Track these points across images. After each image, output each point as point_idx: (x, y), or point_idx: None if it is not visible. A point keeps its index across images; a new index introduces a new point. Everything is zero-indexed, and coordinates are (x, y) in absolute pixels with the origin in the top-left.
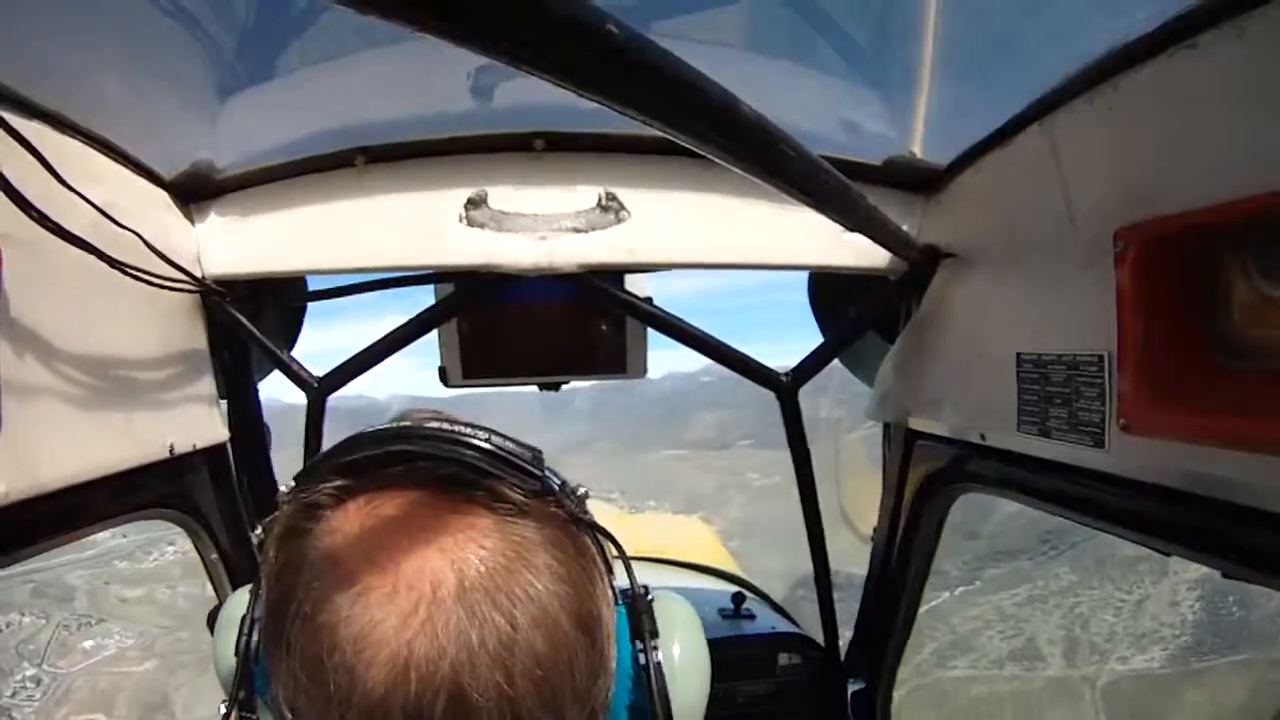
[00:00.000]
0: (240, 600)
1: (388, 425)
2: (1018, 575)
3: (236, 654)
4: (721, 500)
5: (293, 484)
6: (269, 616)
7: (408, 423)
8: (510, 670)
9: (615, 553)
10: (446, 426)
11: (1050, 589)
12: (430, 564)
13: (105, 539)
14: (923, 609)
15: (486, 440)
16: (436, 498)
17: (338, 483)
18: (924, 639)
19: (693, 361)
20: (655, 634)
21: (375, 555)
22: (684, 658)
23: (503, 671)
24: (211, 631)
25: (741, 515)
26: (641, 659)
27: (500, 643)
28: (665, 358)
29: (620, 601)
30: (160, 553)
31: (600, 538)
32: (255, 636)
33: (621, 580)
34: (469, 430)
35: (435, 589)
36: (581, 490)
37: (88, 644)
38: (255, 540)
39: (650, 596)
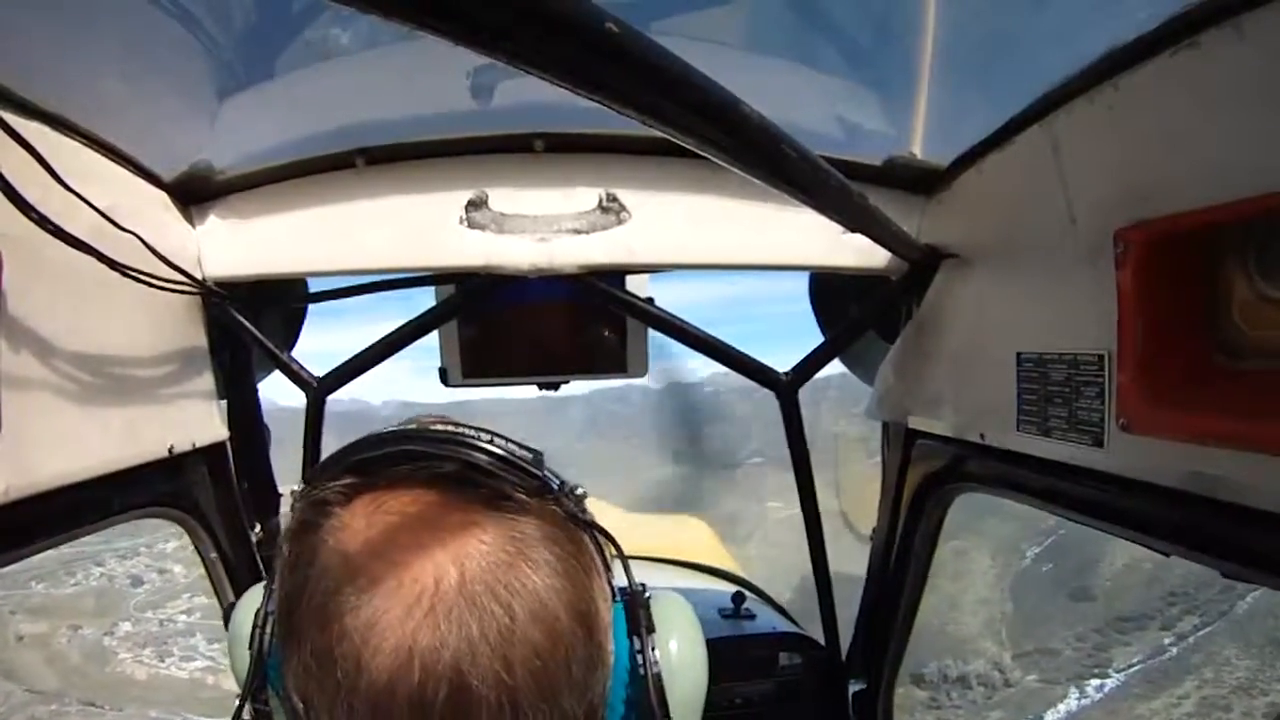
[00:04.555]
0: (255, 596)
1: (395, 428)
2: (1176, 665)
3: (250, 647)
4: (738, 536)
5: (303, 483)
6: (282, 610)
7: (414, 425)
8: (509, 660)
9: (613, 551)
10: (452, 429)
11: (1226, 683)
12: (434, 558)
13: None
14: (1052, 717)
15: (490, 442)
16: (441, 496)
17: (347, 481)
18: None
19: (694, 372)
20: (651, 629)
21: (381, 550)
22: (680, 653)
23: (502, 661)
24: (227, 627)
25: (760, 554)
26: (639, 654)
27: (500, 634)
28: (667, 367)
29: (618, 599)
30: (86, 573)
31: (598, 536)
32: (269, 630)
33: (620, 579)
34: (473, 432)
35: (438, 582)
36: (580, 490)
37: None
38: (255, 539)
39: (648, 594)
